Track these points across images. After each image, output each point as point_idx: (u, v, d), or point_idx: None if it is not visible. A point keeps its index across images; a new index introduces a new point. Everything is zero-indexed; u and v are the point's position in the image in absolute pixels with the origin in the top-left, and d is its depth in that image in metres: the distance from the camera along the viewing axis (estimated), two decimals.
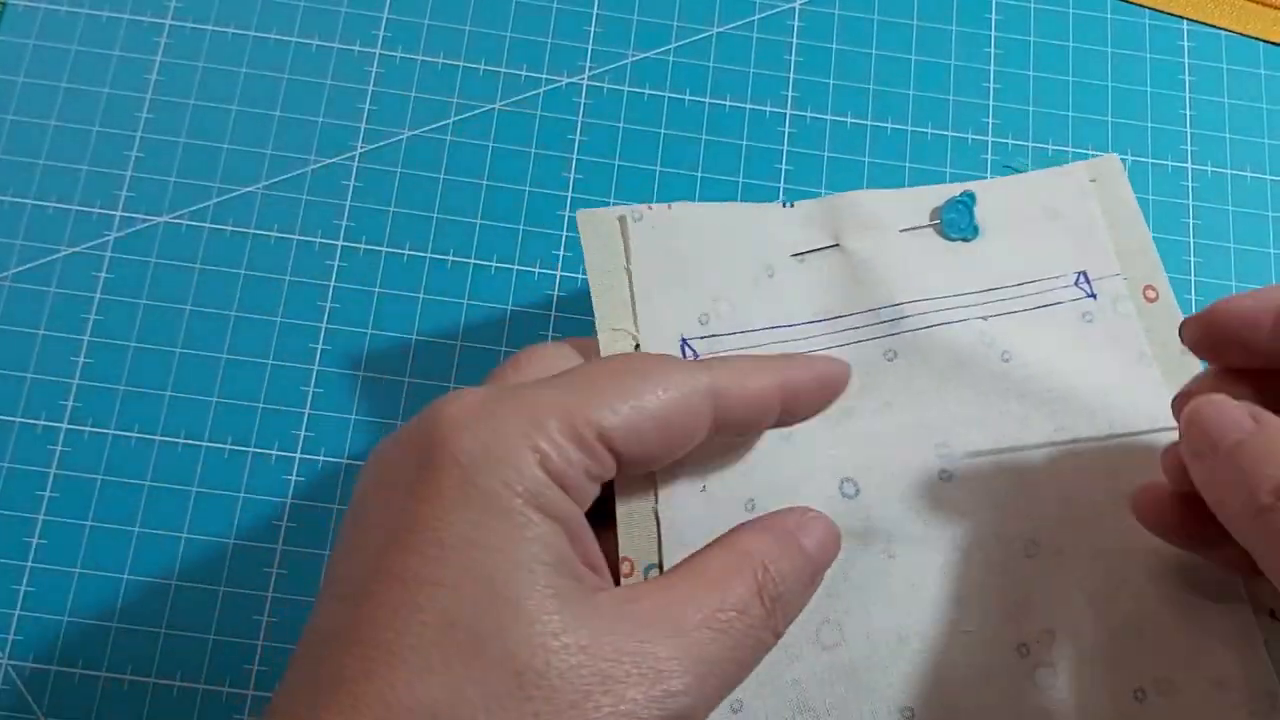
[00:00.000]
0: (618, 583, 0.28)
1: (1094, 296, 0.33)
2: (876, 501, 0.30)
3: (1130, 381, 0.32)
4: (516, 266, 0.39)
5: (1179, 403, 0.28)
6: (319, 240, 0.39)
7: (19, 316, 0.38)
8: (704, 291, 0.31)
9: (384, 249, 0.39)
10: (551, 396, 0.24)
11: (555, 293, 0.39)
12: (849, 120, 0.41)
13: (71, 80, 0.40)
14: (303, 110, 0.40)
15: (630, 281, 0.31)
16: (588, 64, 0.41)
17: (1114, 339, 0.33)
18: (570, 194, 0.40)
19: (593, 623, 0.23)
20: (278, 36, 0.41)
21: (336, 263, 0.39)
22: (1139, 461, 0.31)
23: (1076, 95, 0.42)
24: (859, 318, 0.32)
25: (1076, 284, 0.33)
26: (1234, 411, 0.25)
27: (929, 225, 0.33)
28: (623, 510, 0.28)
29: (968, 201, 0.34)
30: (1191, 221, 0.41)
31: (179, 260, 0.38)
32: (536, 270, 0.39)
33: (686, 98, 0.41)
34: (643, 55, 0.42)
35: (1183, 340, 0.28)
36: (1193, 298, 0.40)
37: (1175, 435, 0.27)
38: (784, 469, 0.30)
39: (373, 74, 0.41)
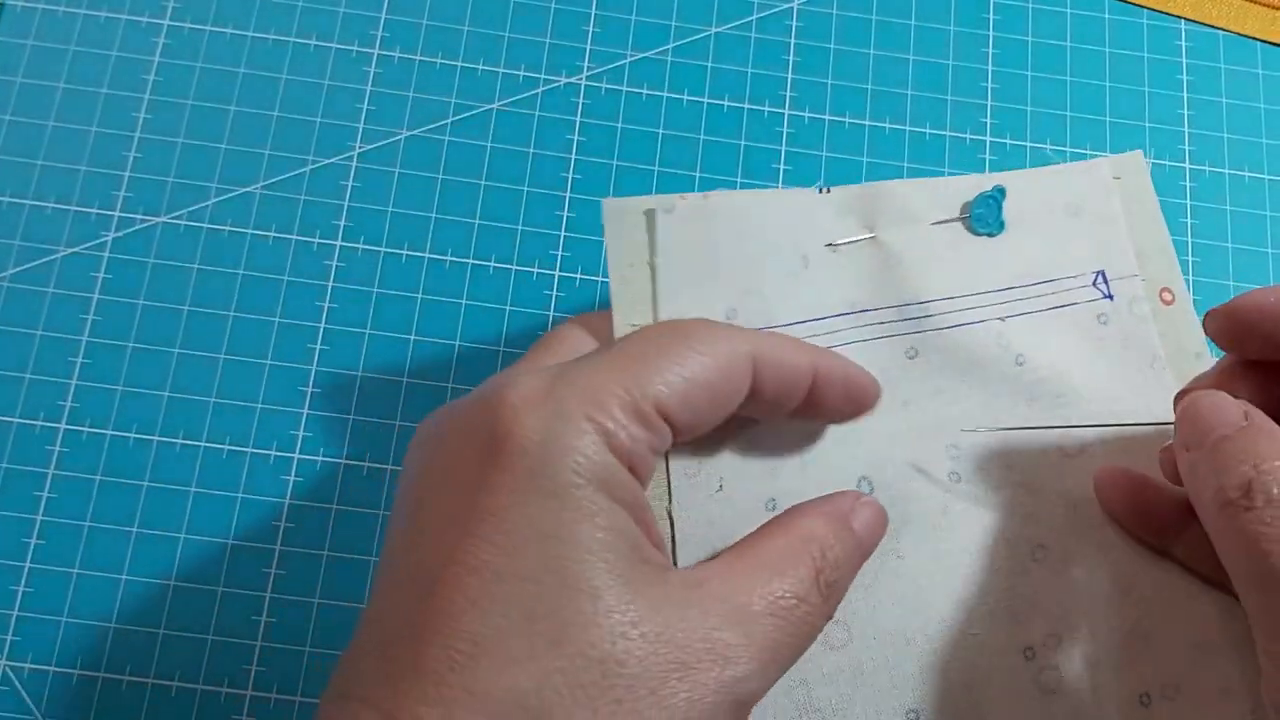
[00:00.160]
0: None
1: (1110, 297, 0.33)
2: (888, 501, 0.30)
3: (1142, 386, 0.32)
4: (515, 266, 0.39)
5: (1180, 398, 0.29)
6: (317, 240, 0.39)
7: (17, 317, 0.38)
8: (733, 284, 0.31)
9: (382, 249, 0.39)
10: (608, 375, 0.24)
11: (554, 293, 0.39)
12: (847, 120, 0.41)
13: (70, 80, 0.40)
14: (301, 110, 0.40)
15: (654, 275, 0.30)
16: (586, 64, 0.41)
17: (1128, 342, 0.33)
18: (568, 194, 0.40)
19: (665, 609, 0.23)
20: (276, 37, 0.41)
21: (335, 263, 0.39)
22: (1148, 467, 0.31)
23: (1074, 95, 0.42)
24: (885, 312, 0.32)
25: (1094, 284, 0.33)
26: (1228, 408, 0.26)
27: (958, 219, 0.33)
28: None
29: (998, 197, 0.33)
30: (1189, 221, 0.41)
31: (177, 260, 0.38)
32: (535, 270, 0.39)
33: (685, 98, 0.41)
34: (641, 55, 0.42)
35: (1206, 330, 0.28)
36: (1192, 297, 0.39)
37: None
38: (807, 468, 0.30)
39: (371, 74, 0.41)
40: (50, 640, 0.35)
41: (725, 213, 0.31)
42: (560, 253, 0.39)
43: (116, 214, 0.39)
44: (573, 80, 0.41)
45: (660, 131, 0.41)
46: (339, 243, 0.39)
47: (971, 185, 0.33)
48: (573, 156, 0.40)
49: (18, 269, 0.38)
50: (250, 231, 0.39)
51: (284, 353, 0.38)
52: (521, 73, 0.41)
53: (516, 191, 0.40)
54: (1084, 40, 0.43)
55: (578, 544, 0.22)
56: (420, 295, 0.38)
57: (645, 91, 0.41)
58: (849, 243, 0.32)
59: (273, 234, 0.39)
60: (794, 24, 0.42)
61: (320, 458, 0.37)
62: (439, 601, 0.22)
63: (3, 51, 0.40)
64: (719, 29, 0.42)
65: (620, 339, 0.27)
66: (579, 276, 0.39)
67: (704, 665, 0.23)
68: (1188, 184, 0.41)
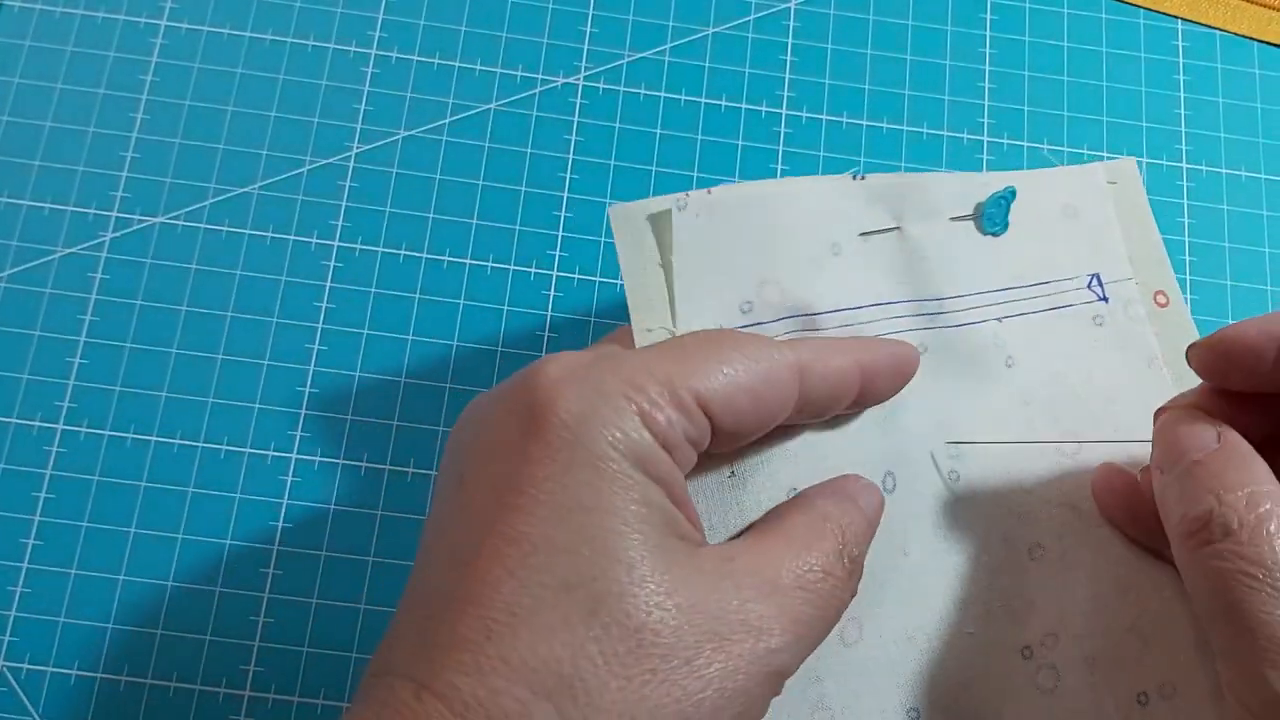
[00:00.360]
0: None
1: (1105, 300, 0.33)
2: (896, 501, 0.30)
3: (1139, 386, 0.32)
4: (512, 267, 0.39)
5: (1159, 414, 0.29)
6: (315, 241, 0.39)
7: (14, 317, 0.38)
8: (750, 275, 0.30)
9: (380, 249, 0.39)
10: (650, 361, 0.25)
11: (551, 293, 0.39)
12: (845, 120, 0.41)
13: (67, 81, 0.40)
14: (298, 111, 0.40)
15: (670, 274, 0.30)
16: (583, 64, 0.41)
17: (1124, 343, 0.33)
18: (566, 194, 0.40)
19: (698, 582, 0.23)
20: (273, 37, 0.41)
21: (332, 263, 0.39)
22: (1144, 467, 0.31)
23: (1071, 95, 0.42)
24: (904, 306, 0.32)
25: (1089, 286, 0.33)
26: (1201, 430, 0.26)
27: (970, 216, 0.33)
28: None
29: (1009, 197, 0.33)
30: (1186, 221, 0.41)
31: (175, 261, 0.38)
32: (533, 271, 0.39)
33: (682, 98, 0.41)
34: (638, 55, 0.42)
35: (1190, 363, 0.28)
36: (1189, 297, 0.40)
37: None
38: (829, 459, 0.30)
39: (368, 74, 0.41)
40: (48, 641, 0.35)
41: (737, 204, 0.30)
42: (558, 253, 0.39)
43: (114, 214, 0.39)
44: (570, 80, 0.41)
45: (658, 131, 0.41)
46: (336, 243, 0.39)
47: (983, 183, 0.33)
48: (570, 157, 0.40)
49: (15, 269, 0.38)
50: (248, 232, 0.39)
51: (282, 353, 0.38)
52: (519, 73, 0.41)
53: (514, 192, 0.40)
54: (1081, 40, 0.43)
55: (614, 516, 0.23)
56: (418, 295, 0.38)
57: (643, 91, 0.41)
58: (879, 232, 0.32)
59: (270, 234, 0.39)
60: (791, 24, 0.42)
61: (318, 458, 0.37)
62: (477, 573, 0.22)
63: (0, 52, 0.40)
64: (716, 29, 0.42)
65: (667, 340, 0.27)
66: (577, 276, 0.39)
67: (738, 637, 0.23)
68: (1184, 184, 0.41)
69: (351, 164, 0.40)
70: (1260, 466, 0.25)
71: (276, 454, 0.37)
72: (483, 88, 0.41)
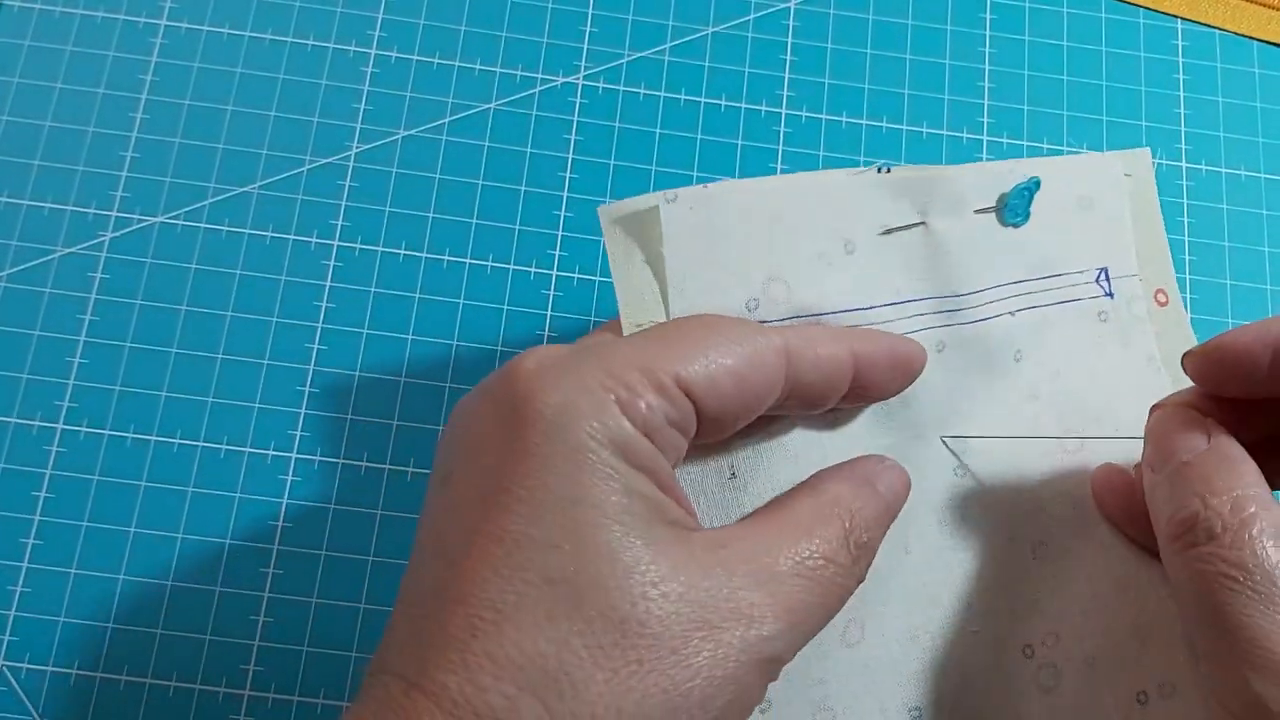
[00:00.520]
0: None
1: (1111, 296, 0.33)
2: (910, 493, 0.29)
3: (1139, 384, 0.32)
4: (512, 266, 0.39)
5: (1154, 411, 0.29)
6: (315, 240, 0.39)
7: (14, 317, 0.38)
8: (753, 273, 0.29)
9: (380, 249, 0.39)
10: (628, 348, 0.25)
11: (551, 292, 0.39)
12: (844, 120, 0.41)
13: (67, 81, 0.40)
14: (298, 110, 0.40)
15: (663, 269, 0.29)
16: (583, 64, 0.41)
17: (1126, 341, 0.32)
18: (566, 194, 0.40)
19: (687, 569, 0.23)
20: (273, 37, 0.41)
21: (332, 263, 0.39)
22: (1138, 464, 0.31)
23: (1071, 94, 0.42)
24: (925, 304, 0.31)
25: (1097, 281, 0.33)
26: (1191, 431, 0.26)
27: (993, 208, 0.32)
28: None
29: (1032, 188, 0.32)
30: (1186, 220, 0.41)
31: (174, 260, 0.38)
32: (532, 270, 0.39)
33: (682, 97, 0.41)
34: (638, 55, 0.42)
35: (1185, 370, 0.28)
36: (1188, 296, 0.40)
37: None
38: (832, 457, 0.29)
39: (368, 74, 0.41)
40: (48, 640, 0.35)
41: (738, 198, 0.29)
42: (558, 252, 0.39)
43: (114, 214, 0.39)
44: (570, 80, 0.41)
45: (658, 131, 0.41)
46: (336, 242, 0.39)
47: (1007, 172, 0.32)
48: (570, 156, 0.40)
49: (15, 269, 0.38)
50: (248, 231, 0.39)
51: (281, 352, 0.38)
52: (519, 72, 0.41)
53: (514, 191, 0.40)
54: (1081, 39, 0.43)
55: (596, 508, 0.23)
56: (418, 295, 0.38)
57: (643, 91, 0.41)
58: (904, 228, 0.30)
59: (270, 234, 0.39)
60: (791, 23, 0.42)
61: (318, 457, 0.37)
62: (464, 571, 0.22)
63: (0, 51, 0.40)
64: (716, 28, 0.42)
65: (649, 327, 0.27)
66: (576, 276, 0.39)
67: (728, 625, 0.23)
68: (1184, 183, 0.41)
69: (351, 163, 0.40)
70: (1248, 469, 0.25)
71: (276, 453, 0.37)
72: (482, 87, 0.41)
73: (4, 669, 0.35)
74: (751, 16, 0.42)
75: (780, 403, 0.27)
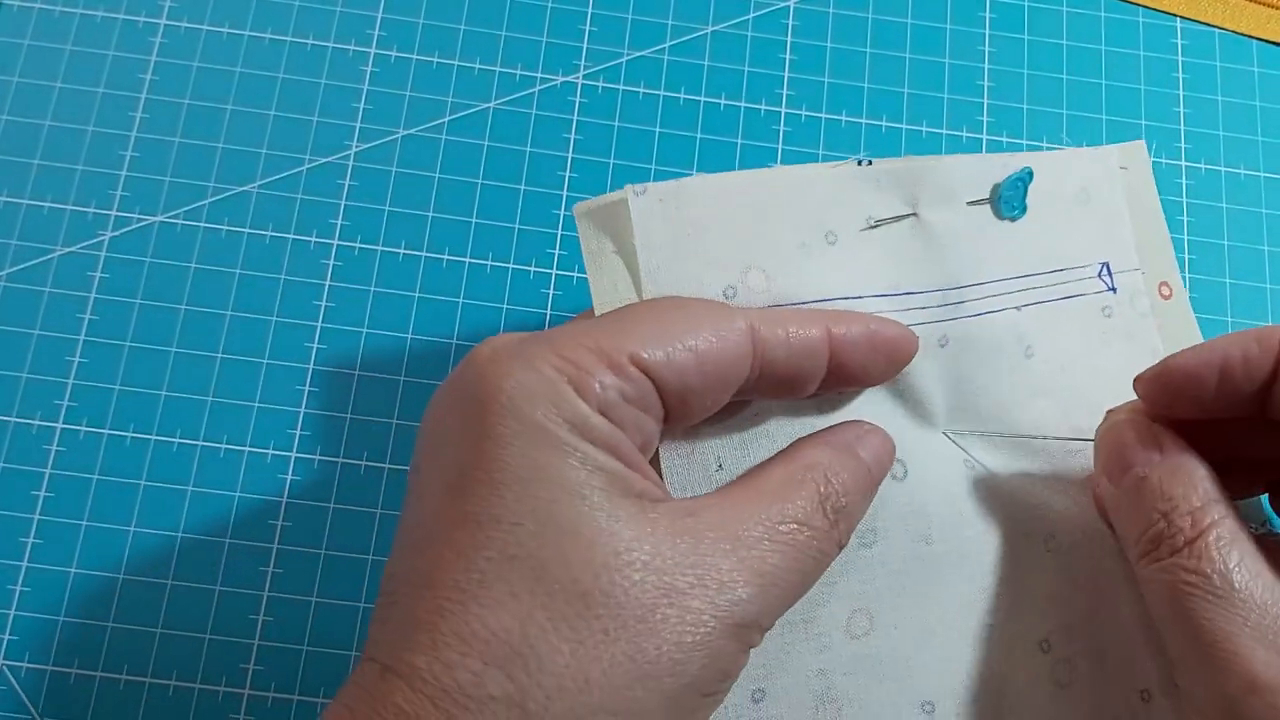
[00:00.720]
0: None
1: (1114, 290, 0.32)
2: (919, 486, 0.29)
3: None
4: (512, 265, 0.39)
5: (1109, 416, 0.29)
6: (314, 239, 0.39)
7: (14, 316, 0.38)
8: (730, 262, 0.28)
9: (379, 248, 0.39)
10: (582, 330, 0.25)
11: (550, 291, 0.39)
12: (844, 119, 0.41)
13: (66, 80, 0.40)
14: (298, 109, 0.40)
15: (635, 260, 0.28)
16: (583, 63, 0.41)
17: (1130, 335, 0.32)
18: (565, 193, 0.40)
19: (652, 539, 0.23)
20: (272, 36, 0.41)
21: (332, 262, 0.39)
22: None
23: (1071, 93, 0.42)
24: (923, 297, 0.30)
25: (1099, 275, 0.32)
26: (1145, 442, 0.27)
27: (987, 200, 0.31)
28: None
29: (1025, 179, 0.31)
30: (1186, 219, 0.41)
31: (174, 260, 0.38)
32: (532, 269, 0.39)
33: (681, 96, 0.41)
34: (638, 54, 0.42)
35: (1136, 392, 0.28)
36: (1188, 295, 0.40)
37: None
38: None
39: (368, 73, 0.41)
40: (48, 639, 0.35)
41: (704, 191, 0.29)
42: (557, 251, 0.39)
43: (113, 213, 0.39)
44: (569, 79, 0.41)
45: (657, 130, 0.41)
46: (336, 242, 0.39)
47: (999, 165, 0.31)
48: (570, 155, 0.40)
49: (14, 268, 0.38)
50: (247, 231, 0.39)
51: (281, 352, 0.38)
52: (518, 71, 0.41)
53: (513, 190, 0.40)
54: (1080, 38, 0.43)
55: (553, 484, 0.23)
56: (417, 294, 0.38)
57: (642, 90, 0.41)
58: (893, 219, 0.30)
59: (270, 233, 0.39)
60: (790, 22, 0.42)
61: (318, 456, 0.37)
62: (431, 557, 0.23)
63: (0, 51, 0.41)
64: (715, 27, 0.42)
65: (604, 314, 0.27)
66: (576, 275, 0.39)
67: (696, 591, 0.23)
68: (1184, 182, 0.41)
69: (351, 163, 0.40)
70: (1203, 478, 0.26)
71: (276, 452, 0.37)
72: (482, 86, 0.41)
73: (4, 668, 0.35)
74: (751, 15, 0.42)
75: (754, 385, 0.27)
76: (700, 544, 0.24)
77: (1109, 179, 0.33)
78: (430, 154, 0.40)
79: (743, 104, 0.41)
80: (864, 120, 0.41)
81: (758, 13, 0.42)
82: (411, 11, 0.42)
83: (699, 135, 0.41)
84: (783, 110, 0.41)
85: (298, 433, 0.37)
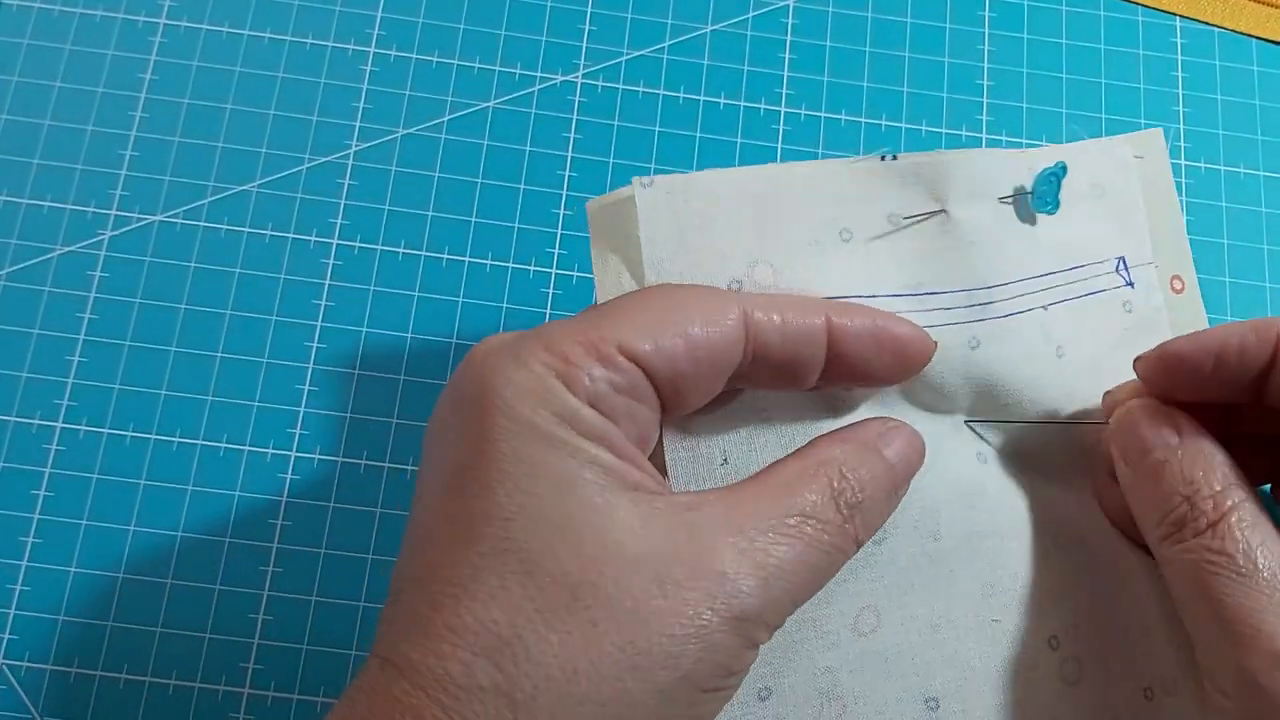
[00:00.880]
0: None
1: (1132, 285, 0.32)
2: (930, 484, 0.29)
3: None
4: (511, 264, 0.39)
5: (1107, 400, 0.30)
6: (314, 239, 0.39)
7: (14, 315, 0.38)
8: (737, 256, 0.28)
9: (379, 247, 0.39)
10: (571, 324, 0.25)
11: (550, 290, 0.39)
12: (843, 118, 0.41)
13: (66, 80, 0.40)
14: (297, 109, 0.40)
15: (639, 254, 0.28)
16: (582, 62, 0.41)
17: (1148, 331, 0.31)
18: (565, 192, 0.40)
19: (645, 531, 0.23)
20: (272, 35, 0.41)
21: (331, 261, 0.39)
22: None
23: (1070, 92, 0.42)
24: (949, 296, 0.29)
25: (1117, 270, 0.31)
26: (1163, 426, 0.27)
27: (1019, 196, 0.30)
28: None
29: (1060, 174, 0.30)
30: (1185, 218, 0.41)
31: (174, 259, 0.38)
32: (531, 268, 0.39)
33: (681, 95, 0.41)
34: (637, 53, 0.42)
35: (1136, 372, 0.29)
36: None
37: None
38: None
39: (367, 72, 0.41)
40: (48, 638, 0.35)
41: (719, 187, 0.28)
42: (557, 250, 0.39)
43: (113, 212, 0.39)
44: (569, 78, 0.41)
45: (656, 129, 0.41)
46: (335, 241, 0.39)
47: (1024, 160, 0.31)
48: (569, 154, 0.40)
49: (14, 267, 0.38)
50: (247, 230, 0.39)
51: (281, 351, 0.38)
52: (518, 71, 0.41)
53: (513, 189, 0.40)
54: (1079, 37, 0.43)
55: (544, 478, 0.23)
56: (417, 293, 0.38)
57: (641, 89, 0.41)
58: (924, 216, 0.29)
59: (269, 232, 0.39)
60: (790, 21, 0.42)
61: (317, 455, 0.37)
62: (429, 555, 0.23)
63: (0, 50, 0.41)
64: (715, 27, 0.42)
65: (592, 306, 0.27)
66: (575, 274, 0.39)
67: (691, 582, 0.23)
68: (1183, 180, 0.41)
69: (350, 162, 0.40)
70: (1222, 461, 0.27)
71: (276, 451, 0.37)
72: (482, 86, 0.41)
73: (4, 667, 0.35)
74: (750, 15, 0.42)
75: (749, 372, 0.26)
76: (698, 536, 0.23)
77: (1123, 170, 0.32)
78: (430, 153, 0.40)
79: (742, 103, 0.41)
80: (863, 119, 0.41)
81: (757, 12, 0.42)
82: (411, 11, 0.42)
83: (699, 134, 0.41)
84: (782, 109, 0.41)
85: (297, 432, 0.37)
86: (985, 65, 0.42)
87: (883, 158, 0.29)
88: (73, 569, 0.35)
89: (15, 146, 0.39)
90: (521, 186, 0.40)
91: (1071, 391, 0.30)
